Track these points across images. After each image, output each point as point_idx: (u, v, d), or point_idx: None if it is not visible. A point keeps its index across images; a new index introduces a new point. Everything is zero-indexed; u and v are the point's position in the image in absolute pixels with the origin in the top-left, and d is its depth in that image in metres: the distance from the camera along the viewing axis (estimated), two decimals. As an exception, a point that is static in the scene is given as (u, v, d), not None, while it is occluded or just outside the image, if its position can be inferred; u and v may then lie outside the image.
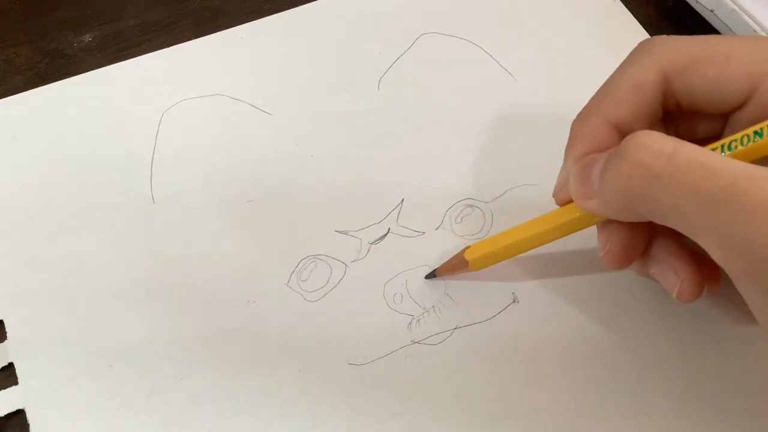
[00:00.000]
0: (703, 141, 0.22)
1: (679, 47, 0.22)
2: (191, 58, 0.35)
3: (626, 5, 0.36)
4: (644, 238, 0.23)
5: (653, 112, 0.22)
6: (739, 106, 0.21)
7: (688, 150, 0.18)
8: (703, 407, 0.25)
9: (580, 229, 0.24)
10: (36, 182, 0.31)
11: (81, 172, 0.31)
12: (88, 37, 0.36)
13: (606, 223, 0.23)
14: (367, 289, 0.28)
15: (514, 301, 0.28)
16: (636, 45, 0.23)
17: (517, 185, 0.30)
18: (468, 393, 0.26)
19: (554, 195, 0.24)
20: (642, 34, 0.35)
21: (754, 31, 0.32)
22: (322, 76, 0.34)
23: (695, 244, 0.19)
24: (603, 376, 0.26)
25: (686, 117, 0.23)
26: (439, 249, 0.29)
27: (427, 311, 0.27)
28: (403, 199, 0.30)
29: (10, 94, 0.33)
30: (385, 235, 0.29)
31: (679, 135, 0.24)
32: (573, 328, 0.27)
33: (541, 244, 0.25)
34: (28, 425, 0.25)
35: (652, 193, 0.19)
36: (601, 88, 0.23)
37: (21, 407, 0.26)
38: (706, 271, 0.23)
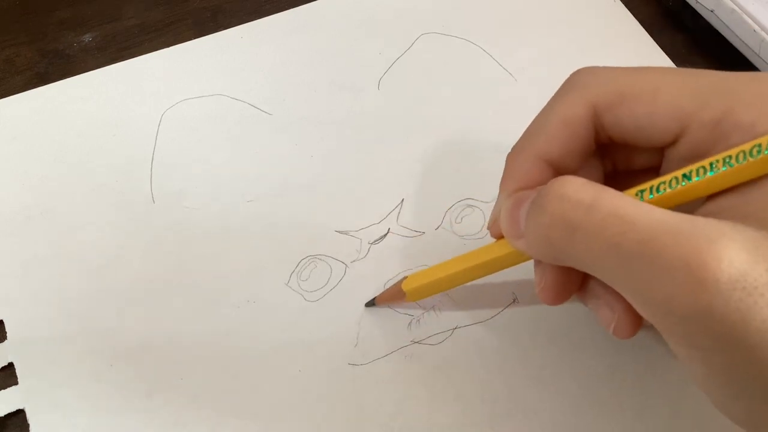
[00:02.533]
0: (641, 173, 0.22)
1: (607, 81, 0.21)
2: (191, 58, 0.35)
3: (626, 5, 0.36)
4: (579, 275, 0.22)
5: (585, 146, 0.22)
6: (672, 142, 0.21)
7: (607, 200, 0.18)
8: (702, 407, 0.25)
9: (513, 265, 0.23)
10: (36, 182, 0.31)
11: (81, 172, 0.31)
12: (88, 37, 0.36)
13: (539, 263, 0.22)
14: (367, 289, 0.28)
15: (514, 301, 0.28)
16: (569, 75, 0.23)
17: (517, 185, 0.30)
18: (468, 393, 0.26)
19: (488, 227, 0.24)
20: (642, 34, 0.35)
21: (754, 31, 0.32)
22: (322, 76, 0.34)
23: None
24: (603, 376, 0.26)
25: (621, 149, 0.23)
26: (439, 249, 0.29)
27: (427, 311, 0.27)
28: (403, 199, 0.30)
29: (10, 94, 0.33)
30: (385, 235, 0.29)
31: (615, 167, 0.23)
32: (573, 328, 0.27)
33: (476, 278, 0.25)
34: (28, 425, 0.25)
35: (570, 245, 0.18)
36: (533, 123, 0.23)
37: (21, 407, 0.26)
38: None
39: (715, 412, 0.25)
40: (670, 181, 0.19)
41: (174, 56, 0.35)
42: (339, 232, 0.29)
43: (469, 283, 0.28)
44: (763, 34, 0.32)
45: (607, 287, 0.21)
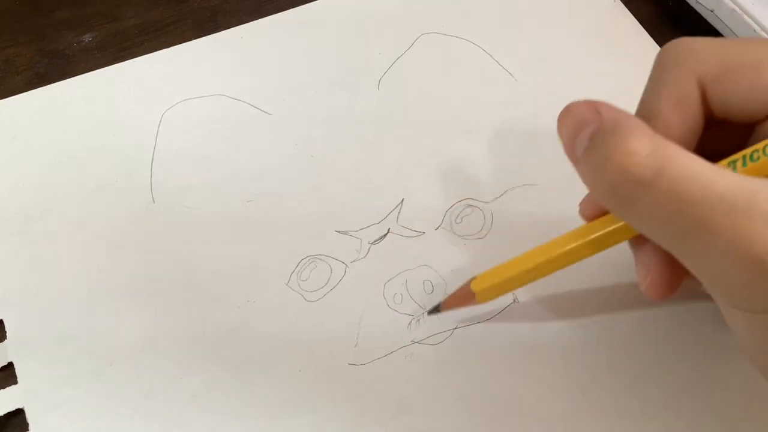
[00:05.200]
0: (727, 152, 0.21)
1: (711, 53, 0.20)
2: (191, 58, 0.35)
3: (626, 5, 0.36)
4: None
5: (699, 126, 0.21)
6: (766, 117, 0.20)
7: (671, 173, 0.17)
8: (702, 408, 0.25)
9: (593, 254, 0.22)
10: (36, 182, 0.31)
11: (81, 172, 0.31)
12: (88, 37, 0.36)
13: (642, 251, 0.22)
14: (367, 289, 0.28)
15: (514, 301, 0.28)
16: (659, 52, 0.22)
17: (517, 185, 0.30)
18: (468, 393, 0.26)
19: (580, 207, 0.23)
20: (642, 34, 0.35)
21: (754, 31, 0.32)
22: (323, 76, 0.34)
23: None
24: (603, 376, 0.26)
25: (712, 127, 0.22)
26: (439, 249, 0.29)
27: (427, 311, 0.27)
28: (403, 199, 0.30)
29: (10, 94, 0.33)
30: (385, 235, 0.29)
31: (704, 147, 0.22)
32: (573, 328, 0.27)
33: (551, 273, 0.23)
34: (27, 425, 0.25)
35: (629, 212, 0.19)
36: (641, 106, 0.22)
37: (21, 407, 0.26)
38: (681, 272, 0.22)
39: (714, 413, 0.25)
40: (765, 148, 0.19)
41: (174, 56, 0.35)
42: (339, 232, 0.29)
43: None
44: (763, 34, 0.32)
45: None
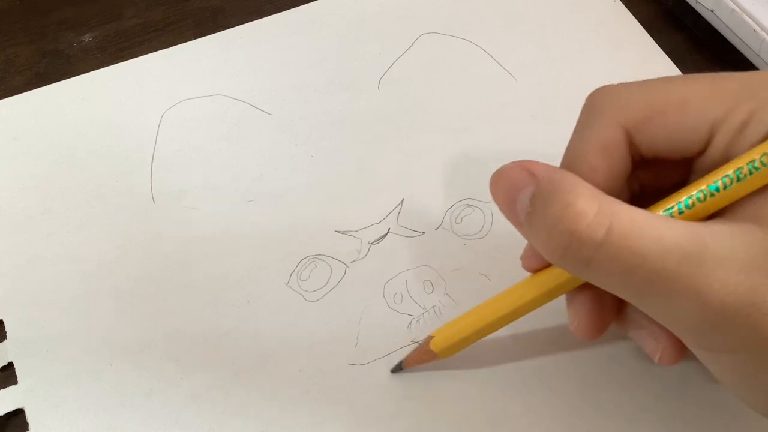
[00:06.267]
0: (669, 189, 0.21)
1: (633, 99, 0.21)
2: (191, 58, 0.35)
3: (626, 5, 0.36)
4: (616, 305, 0.22)
5: (625, 170, 0.21)
6: (701, 151, 0.20)
7: (619, 229, 0.18)
8: (702, 408, 0.25)
9: (551, 300, 0.23)
10: (36, 182, 0.31)
11: (81, 172, 0.31)
12: (88, 37, 0.36)
13: (573, 296, 0.22)
14: (367, 289, 0.28)
15: (514, 301, 0.28)
16: (587, 98, 0.22)
17: (517, 185, 0.30)
18: (468, 393, 0.26)
19: (521, 259, 0.23)
20: (642, 34, 0.35)
21: (754, 31, 0.32)
22: (322, 76, 0.34)
23: None
24: (603, 376, 0.26)
25: (649, 166, 0.22)
26: (439, 249, 0.29)
27: (427, 311, 0.27)
28: (403, 199, 0.30)
29: (10, 94, 0.33)
30: (385, 235, 0.29)
31: (642, 184, 0.23)
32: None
33: (511, 322, 0.24)
34: (27, 425, 0.25)
35: (584, 273, 0.19)
36: (567, 154, 0.22)
37: (20, 407, 0.26)
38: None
39: (714, 413, 0.25)
40: (697, 194, 0.19)
41: (174, 56, 0.35)
42: (339, 232, 0.29)
43: (469, 283, 0.28)
44: (763, 34, 0.32)
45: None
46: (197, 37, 0.35)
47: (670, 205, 0.20)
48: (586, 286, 0.22)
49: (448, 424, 0.25)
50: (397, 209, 0.30)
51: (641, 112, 0.21)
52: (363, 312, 0.28)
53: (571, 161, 0.22)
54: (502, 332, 0.27)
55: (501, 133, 0.32)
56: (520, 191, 0.20)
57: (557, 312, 0.27)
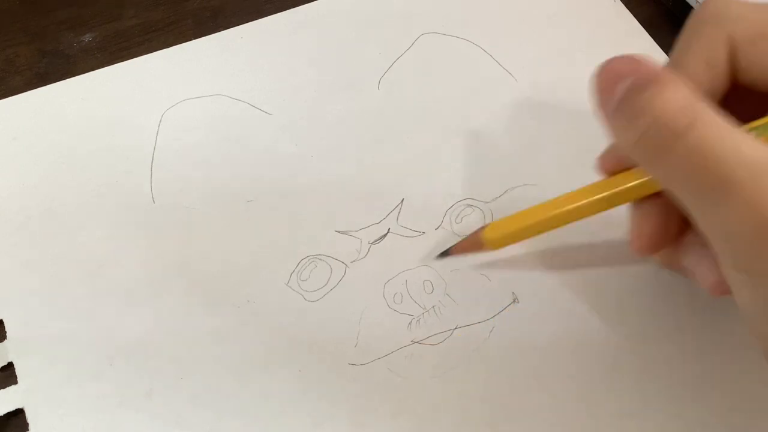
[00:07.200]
0: (746, 121, 0.21)
1: (747, 18, 0.20)
2: (191, 58, 0.35)
3: (626, 5, 0.36)
4: (679, 225, 0.22)
5: (725, 88, 0.21)
6: None
7: (702, 129, 0.18)
8: (703, 408, 0.25)
9: (610, 208, 0.22)
10: (36, 182, 0.31)
11: (81, 172, 0.31)
12: (88, 37, 0.36)
13: (639, 206, 0.22)
14: (367, 289, 0.28)
15: (514, 301, 0.28)
16: (699, 5, 0.21)
17: (517, 185, 0.30)
18: (468, 393, 0.26)
19: (598, 160, 0.23)
20: (642, 34, 0.35)
21: (754, 31, 0.32)
22: (322, 76, 0.34)
23: None
24: (603, 376, 0.26)
25: (735, 93, 0.22)
26: (439, 249, 0.29)
27: (427, 311, 0.27)
28: (403, 199, 0.30)
29: (10, 94, 0.33)
30: (385, 235, 0.29)
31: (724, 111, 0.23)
32: (573, 328, 0.27)
33: (573, 221, 0.23)
34: (27, 425, 0.25)
35: (656, 162, 0.19)
36: (671, 62, 0.22)
37: (20, 407, 0.26)
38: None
39: (714, 414, 0.25)
40: None
41: (174, 56, 0.35)
42: (339, 232, 0.29)
43: (469, 283, 0.28)
44: (763, 34, 0.32)
45: (707, 247, 0.21)
46: (197, 37, 0.35)
47: (757, 125, 0.20)
48: (654, 197, 0.21)
49: (448, 424, 0.25)
50: (397, 209, 0.30)
51: (751, 31, 0.20)
52: (363, 312, 0.28)
53: (673, 69, 0.21)
54: (502, 332, 0.27)
55: (501, 133, 0.32)
56: (621, 80, 0.20)
57: (557, 312, 0.27)
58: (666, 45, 0.35)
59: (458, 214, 0.30)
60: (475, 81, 0.34)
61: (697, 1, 0.34)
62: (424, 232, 0.29)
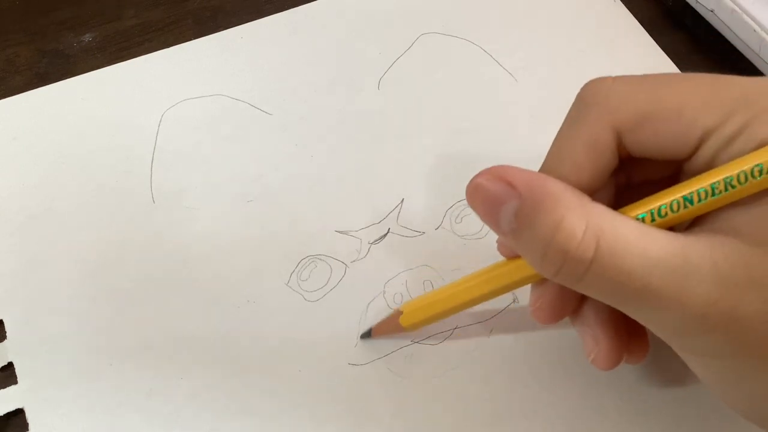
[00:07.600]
0: (655, 183, 0.21)
1: (628, 99, 0.20)
2: (191, 58, 0.35)
3: (626, 5, 0.36)
4: (576, 299, 0.23)
5: (611, 168, 0.21)
6: (689, 156, 0.20)
7: (607, 249, 0.18)
8: (703, 408, 0.25)
9: (522, 286, 0.23)
10: (36, 182, 0.31)
11: (81, 172, 0.31)
12: (88, 37, 0.36)
13: (539, 282, 0.22)
14: (367, 289, 0.28)
15: (514, 301, 0.28)
16: (580, 90, 0.22)
17: (517, 185, 0.30)
18: (468, 393, 0.26)
19: (499, 246, 0.24)
20: (642, 34, 0.35)
21: (754, 31, 0.32)
22: (322, 76, 0.34)
23: None
24: (603, 376, 0.26)
25: (637, 163, 0.22)
26: (439, 249, 0.29)
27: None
28: (403, 199, 0.30)
29: (10, 94, 0.33)
30: (385, 235, 0.29)
31: (630, 180, 0.23)
32: (573, 328, 0.27)
33: (483, 302, 0.24)
34: (27, 425, 0.25)
35: (573, 286, 0.20)
36: (554, 148, 0.22)
37: (20, 407, 0.26)
38: (629, 343, 0.23)
39: (714, 414, 0.25)
40: (671, 204, 0.19)
41: (174, 56, 0.35)
42: (339, 232, 0.29)
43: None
44: (763, 34, 0.32)
45: (598, 317, 0.22)
46: (197, 37, 0.35)
47: (650, 208, 0.20)
48: None
49: (448, 424, 0.25)
50: (397, 209, 0.30)
51: (632, 114, 0.20)
52: (363, 312, 0.28)
53: (557, 156, 0.22)
54: (502, 332, 0.27)
55: (501, 133, 0.32)
56: (502, 206, 0.20)
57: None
58: (666, 45, 0.35)
59: (458, 214, 0.30)
60: (475, 81, 0.34)
61: (698, 1, 0.34)
62: (424, 232, 0.29)
